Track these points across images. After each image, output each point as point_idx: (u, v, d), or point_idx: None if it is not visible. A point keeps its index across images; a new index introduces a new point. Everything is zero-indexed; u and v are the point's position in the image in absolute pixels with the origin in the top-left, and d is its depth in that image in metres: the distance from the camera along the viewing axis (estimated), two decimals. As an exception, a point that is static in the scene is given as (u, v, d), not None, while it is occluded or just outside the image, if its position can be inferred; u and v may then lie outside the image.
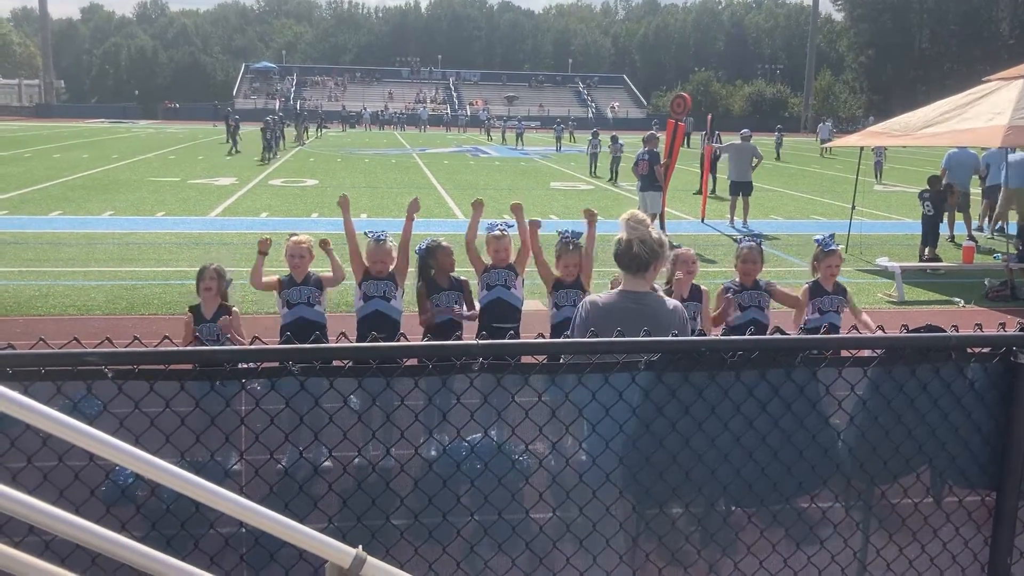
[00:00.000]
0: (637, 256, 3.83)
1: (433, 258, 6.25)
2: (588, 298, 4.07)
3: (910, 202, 22.75)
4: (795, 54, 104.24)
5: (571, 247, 6.09)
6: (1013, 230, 16.59)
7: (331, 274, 6.25)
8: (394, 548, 2.72)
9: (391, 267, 6.16)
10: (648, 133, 17.62)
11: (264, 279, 6.18)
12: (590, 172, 30.44)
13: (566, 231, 6.23)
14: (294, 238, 6.15)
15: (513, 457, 2.89)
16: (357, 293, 6.21)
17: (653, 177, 16.07)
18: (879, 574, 3.19)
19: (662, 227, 17.22)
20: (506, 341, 2.64)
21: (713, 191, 23.80)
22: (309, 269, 6.15)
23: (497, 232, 6.31)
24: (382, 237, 6.15)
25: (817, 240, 6.35)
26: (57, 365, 2.32)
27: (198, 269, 6.12)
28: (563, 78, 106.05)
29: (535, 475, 2.89)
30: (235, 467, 2.76)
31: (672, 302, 3.98)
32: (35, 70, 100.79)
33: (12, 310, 9.95)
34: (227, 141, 39.46)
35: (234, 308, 6.06)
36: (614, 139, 30.22)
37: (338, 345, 2.57)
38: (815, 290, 6.25)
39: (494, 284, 6.26)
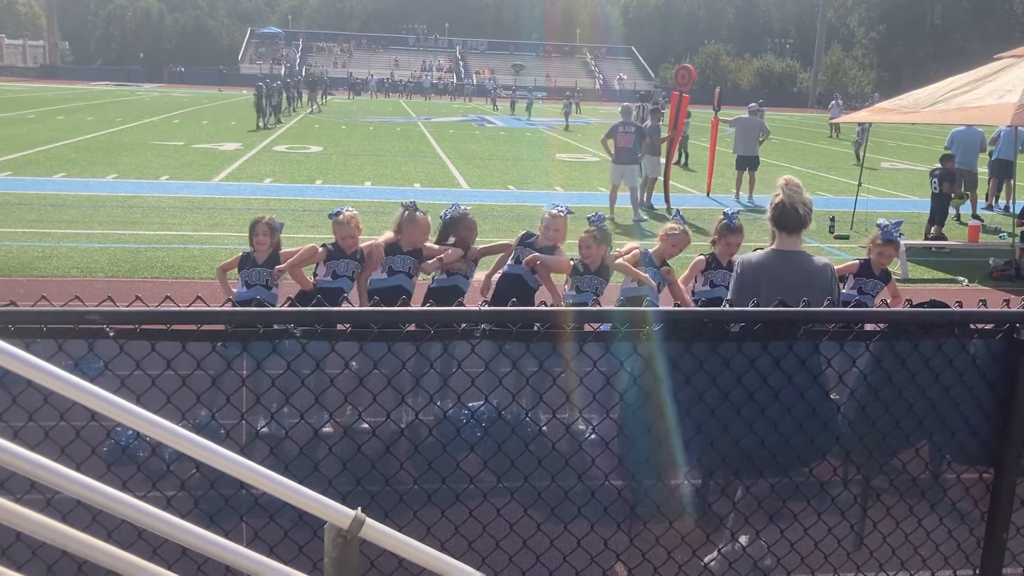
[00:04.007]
0: (798, 217, 4.18)
1: (454, 228, 6.22)
2: (743, 257, 4.40)
3: (917, 180, 22.61)
4: (805, 28, 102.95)
5: (596, 236, 6.03)
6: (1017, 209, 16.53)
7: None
8: (393, 511, 2.74)
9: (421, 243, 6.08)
10: (623, 105, 17.52)
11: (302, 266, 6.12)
12: None
13: (593, 216, 6.18)
14: (348, 214, 6.06)
15: (513, 424, 2.90)
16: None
17: (635, 151, 16.09)
18: (875, 547, 3.21)
19: (666, 200, 17.17)
20: (505, 308, 2.64)
21: (681, 163, 24.05)
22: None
23: (555, 211, 6.14)
24: (422, 212, 6.06)
25: (879, 224, 6.29)
26: (58, 323, 2.32)
27: (250, 223, 6.06)
28: (571, 48, 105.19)
29: (535, 442, 2.90)
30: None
31: (821, 260, 4.32)
32: (39, 31, 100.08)
33: (15, 271, 9.96)
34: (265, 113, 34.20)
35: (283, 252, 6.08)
36: None
37: (339, 309, 2.57)
38: (864, 269, 6.28)
39: (519, 260, 6.17)
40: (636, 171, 16.18)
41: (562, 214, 6.14)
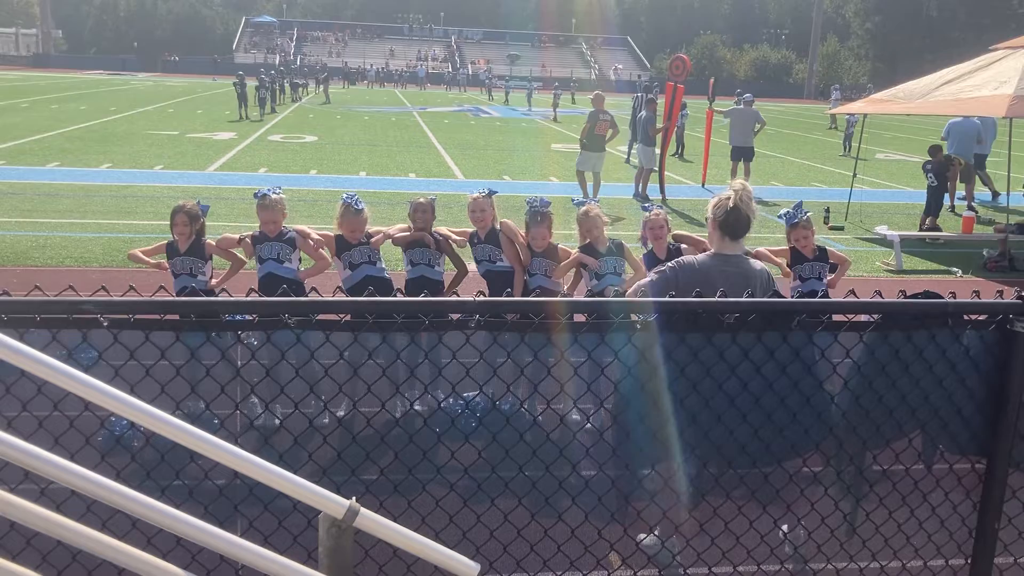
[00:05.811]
0: (748, 224, 4.08)
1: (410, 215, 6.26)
2: (683, 259, 4.28)
3: (911, 171, 22.64)
4: (801, 19, 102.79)
5: (539, 218, 6.03)
6: (1014, 201, 16.53)
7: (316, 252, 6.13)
8: (387, 501, 2.74)
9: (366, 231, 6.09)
10: (595, 93, 17.53)
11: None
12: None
13: (533, 199, 6.15)
14: (275, 196, 6.02)
15: (508, 414, 2.90)
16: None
17: (602, 138, 16.14)
18: (868, 536, 3.23)
19: (661, 191, 17.18)
20: (502, 299, 2.63)
21: (677, 154, 24.19)
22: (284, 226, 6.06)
23: (477, 194, 6.17)
24: (360, 207, 6.06)
25: (779, 217, 6.32)
26: (52, 313, 2.31)
27: (171, 210, 6.06)
28: (566, 39, 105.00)
29: (529, 432, 2.91)
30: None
31: (758, 264, 4.23)
32: (32, 19, 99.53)
33: (9, 260, 9.93)
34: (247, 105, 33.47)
35: (209, 241, 6.01)
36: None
37: (334, 299, 2.56)
38: (795, 257, 6.23)
39: (480, 259, 6.21)
40: (601, 158, 16.35)
41: (482, 195, 6.16)
